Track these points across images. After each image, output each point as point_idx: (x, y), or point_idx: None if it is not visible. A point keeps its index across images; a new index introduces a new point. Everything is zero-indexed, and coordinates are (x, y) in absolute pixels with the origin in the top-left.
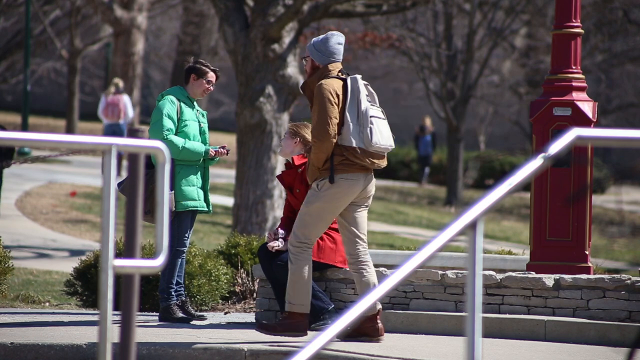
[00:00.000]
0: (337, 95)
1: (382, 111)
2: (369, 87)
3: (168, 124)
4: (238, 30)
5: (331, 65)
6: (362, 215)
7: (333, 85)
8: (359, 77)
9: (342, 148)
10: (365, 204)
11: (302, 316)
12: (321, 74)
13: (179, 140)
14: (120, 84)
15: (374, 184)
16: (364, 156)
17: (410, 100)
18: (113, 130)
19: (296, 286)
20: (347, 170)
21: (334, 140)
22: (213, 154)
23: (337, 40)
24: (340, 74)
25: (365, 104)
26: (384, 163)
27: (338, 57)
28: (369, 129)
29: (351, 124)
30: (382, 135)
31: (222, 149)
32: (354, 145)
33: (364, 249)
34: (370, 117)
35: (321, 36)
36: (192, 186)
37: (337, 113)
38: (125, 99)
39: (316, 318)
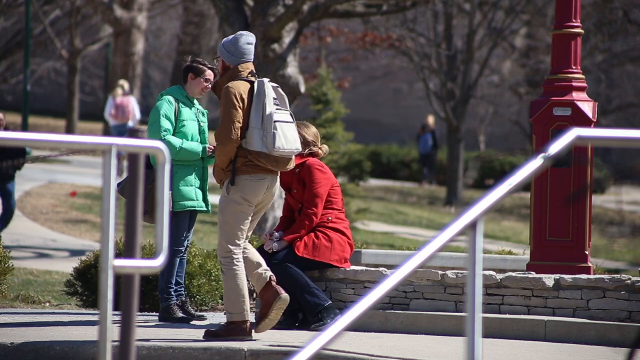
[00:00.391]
0: (243, 99)
1: (290, 114)
2: (279, 90)
3: (165, 124)
4: (238, 30)
5: (241, 65)
6: (255, 219)
7: (239, 89)
8: (266, 80)
9: (246, 151)
10: (264, 210)
11: (242, 322)
12: (231, 74)
13: (176, 141)
14: (126, 85)
15: (277, 186)
16: (267, 160)
17: (410, 100)
18: (120, 131)
19: (231, 297)
20: (250, 171)
21: (236, 144)
22: (211, 150)
23: (247, 40)
24: (250, 75)
25: (270, 108)
26: (290, 166)
27: (248, 57)
28: (272, 133)
29: (255, 128)
30: (287, 140)
31: None
32: (257, 149)
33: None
34: (275, 121)
35: (231, 36)
36: (190, 186)
37: (241, 117)
38: (133, 100)
39: (313, 315)
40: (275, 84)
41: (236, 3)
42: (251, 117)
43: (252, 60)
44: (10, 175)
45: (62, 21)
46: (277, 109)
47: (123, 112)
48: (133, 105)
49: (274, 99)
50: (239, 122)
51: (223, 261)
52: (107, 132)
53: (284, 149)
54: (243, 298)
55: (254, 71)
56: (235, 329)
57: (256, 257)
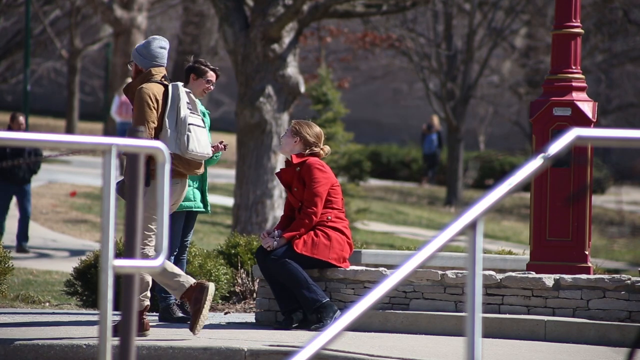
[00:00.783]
0: (157, 100)
1: (202, 120)
2: (191, 95)
3: None
4: (238, 30)
5: (154, 69)
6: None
7: (153, 90)
8: (180, 84)
9: None
10: (172, 211)
11: (190, 288)
12: (144, 78)
13: None
14: None
15: (184, 194)
16: (180, 163)
17: (410, 100)
18: (125, 129)
19: (168, 282)
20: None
21: None
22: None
23: (159, 44)
24: (163, 79)
25: (184, 111)
26: (200, 170)
27: (161, 61)
28: (186, 136)
29: (169, 130)
30: (200, 144)
31: (219, 144)
32: (170, 151)
33: None
34: (189, 124)
35: (144, 40)
36: (188, 186)
37: (155, 118)
38: None
39: (311, 311)
40: (188, 89)
41: (236, 3)
42: (165, 119)
43: (165, 64)
44: (27, 179)
45: (62, 21)
46: (190, 112)
47: (127, 109)
48: None
49: (187, 103)
50: (154, 123)
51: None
52: (113, 130)
53: (197, 152)
54: (175, 273)
55: (167, 76)
56: (193, 299)
57: (148, 277)
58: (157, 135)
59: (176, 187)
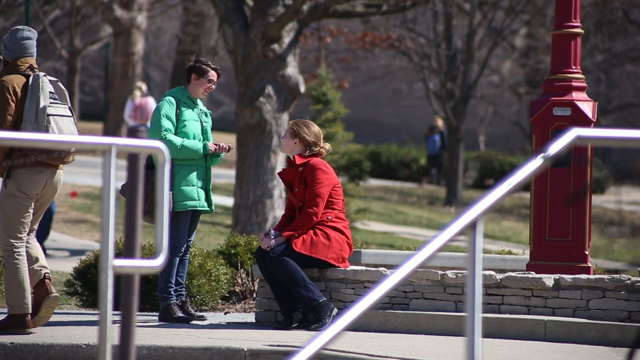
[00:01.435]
0: (16, 92)
1: (69, 108)
2: (59, 84)
3: (166, 124)
4: (238, 30)
5: (20, 60)
6: (39, 213)
7: (13, 82)
8: (42, 74)
9: None
10: (47, 203)
11: (23, 316)
12: (10, 69)
13: (177, 139)
14: (144, 87)
15: (61, 179)
16: (40, 154)
17: (410, 100)
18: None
19: (12, 290)
20: (26, 164)
21: None
22: (213, 149)
23: (23, 35)
24: (28, 70)
25: (44, 102)
26: (68, 159)
27: (27, 51)
28: (45, 127)
29: (28, 122)
30: (61, 134)
31: (222, 144)
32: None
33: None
34: (49, 115)
35: (9, 32)
36: (192, 186)
37: (13, 110)
38: (151, 101)
39: (308, 310)
40: (54, 78)
41: (236, 3)
42: (25, 110)
43: (32, 54)
44: None
45: (62, 21)
46: (52, 102)
47: (142, 112)
48: (152, 105)
49: (51, 93)
50: (10, 115)
51: (4, 255)
52: (113, 129)
53: None
54: (24, 292)
55: (34, 66)
56: (16, 322)
57: (36, 252)
58: (18, 127)
59: (41, 175)
